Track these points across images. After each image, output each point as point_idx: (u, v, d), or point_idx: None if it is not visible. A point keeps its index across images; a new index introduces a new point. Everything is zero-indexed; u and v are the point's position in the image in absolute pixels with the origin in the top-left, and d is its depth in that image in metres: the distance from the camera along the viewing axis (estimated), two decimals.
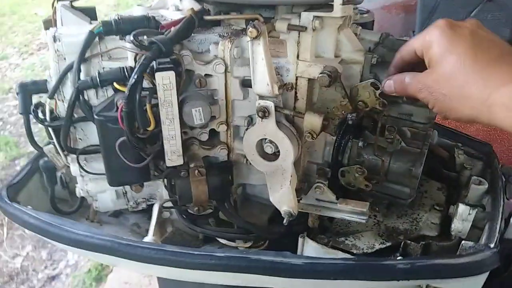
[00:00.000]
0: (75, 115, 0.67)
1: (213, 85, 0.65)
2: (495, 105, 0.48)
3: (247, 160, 0.68)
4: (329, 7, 0.59)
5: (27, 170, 0.80)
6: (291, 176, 0.64)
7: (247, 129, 0.65)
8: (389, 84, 0.59)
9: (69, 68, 0.64)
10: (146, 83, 0.59)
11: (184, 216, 0.73)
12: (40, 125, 0.69)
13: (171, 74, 0.58)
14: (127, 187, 0.75)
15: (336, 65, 0.62)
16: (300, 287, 0.69)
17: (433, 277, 0.59)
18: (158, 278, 1.05)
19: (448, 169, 0.83)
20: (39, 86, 0.69)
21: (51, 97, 0.67)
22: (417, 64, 0.56)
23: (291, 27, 0.61)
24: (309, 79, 0.63)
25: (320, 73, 0.59)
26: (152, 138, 0.62)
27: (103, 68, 0.66)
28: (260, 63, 0.58)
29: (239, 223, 0.72)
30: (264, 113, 0.61)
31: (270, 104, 0.60)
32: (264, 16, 0.63)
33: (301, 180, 0.71)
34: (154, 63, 0.58)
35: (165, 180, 0.70)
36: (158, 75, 0.57)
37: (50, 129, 0.69)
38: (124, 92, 0.59)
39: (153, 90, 0.59)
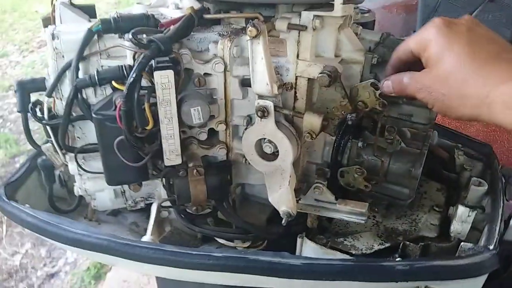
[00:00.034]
0: (73, 114, 0.67)
1: (212, 84, 0.65)
2: (495, 103, 0.47)
3: (246, 159, 0.68)
4: (329, 6, 0.59)
5: (25, 168, 0.80)
6: (290, 176, 0.63)
7: (246, 129, 0.65)
8: (388, 85, 0.58)
9: (67, 66, 0.64)
10: (144, 82, 0.59)
11: (183, 216, 0.73)
12: (38, 123, 0.69)
13: (169, 73, 0.57)
14: (126, 186, 0.75)
15: (336, 65, 0.62)
16: None
17: (432, 279, 0.59)
18: (157, 278, 1.05)
19: (448, 170, 0.83)
20: (37, 84, 0.69)
21: (49, 95, 0.67)
22: (414, 64, 0.56)
23: (291, 26, 0.61)
24: (309, 79, 0.63)
25: (320, 73, 0.59)
26: (150, 137, 0.62)
27: (102, 66, 0.65)
28: (260, 62, 0.58)
29: (237, 223, 0.72)
30: (263, 112, 0.60)
31: (269, 104, 0.60)
32: (264, 15, 0.63)
33: (300, 180, 0.71)
34: (153, 61, 0.57)
35: (164, 179, 0.70)
36: (156, 73, 0.57)
37: (48, 127, 0.69)
38: (122, 90, 0.58)
39: (152, 89, 0.59)
